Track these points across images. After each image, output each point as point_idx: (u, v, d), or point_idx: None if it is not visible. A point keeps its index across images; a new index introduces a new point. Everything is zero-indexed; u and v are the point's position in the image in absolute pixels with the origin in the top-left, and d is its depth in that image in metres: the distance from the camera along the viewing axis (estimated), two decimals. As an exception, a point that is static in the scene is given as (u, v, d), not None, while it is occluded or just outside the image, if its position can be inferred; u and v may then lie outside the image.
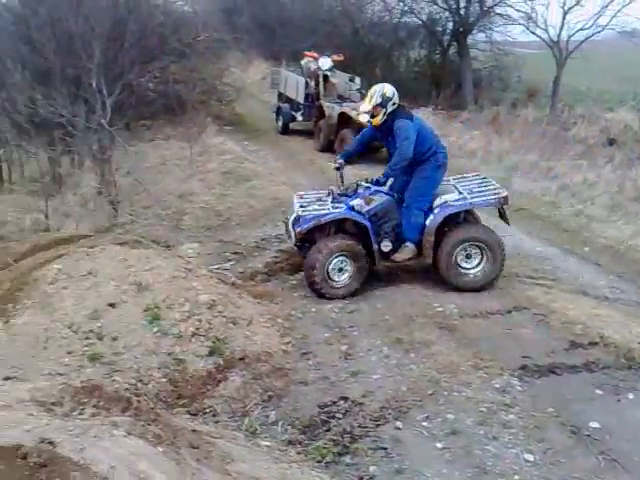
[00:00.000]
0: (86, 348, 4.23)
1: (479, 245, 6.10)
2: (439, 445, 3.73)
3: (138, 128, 11.97)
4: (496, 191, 6.31)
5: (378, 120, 6.14)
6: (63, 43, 8.55)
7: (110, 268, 4.79)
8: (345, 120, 11.71)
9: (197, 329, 4.58)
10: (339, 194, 6.32)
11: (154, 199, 8.45)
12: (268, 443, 3.64)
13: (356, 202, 6.13)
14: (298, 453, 3.59)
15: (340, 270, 6.05)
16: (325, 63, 12.92)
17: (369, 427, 3.88)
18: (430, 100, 16.28)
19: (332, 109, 12.16)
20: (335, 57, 13.27)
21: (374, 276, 6.18)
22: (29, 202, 8.50)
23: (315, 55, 13.40)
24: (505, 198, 6.24)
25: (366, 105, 6.21)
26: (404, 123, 6.04)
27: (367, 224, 6.08)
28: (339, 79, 13.34)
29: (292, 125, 14.28)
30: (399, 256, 6.17)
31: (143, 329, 4.46)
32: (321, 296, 5.95)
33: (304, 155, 12.39)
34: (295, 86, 13.85)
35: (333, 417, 3.98)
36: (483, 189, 6.38)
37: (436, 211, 6.12)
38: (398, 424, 3.90)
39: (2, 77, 8.57)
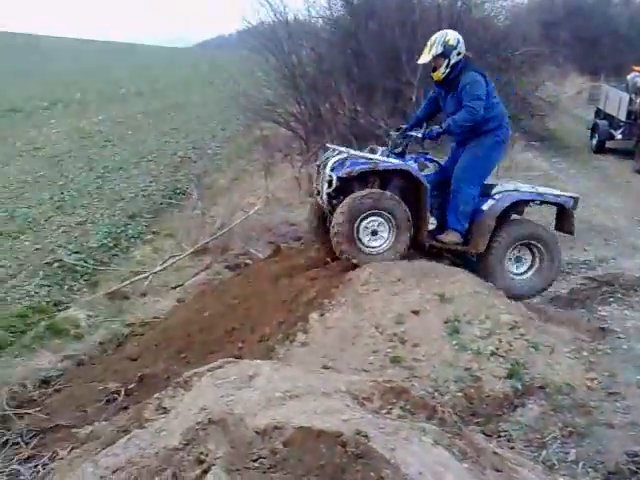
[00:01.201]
0: (389, 350, 4.44)
1: (534, 245, 5.44)
2: None
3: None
4: (569, 193, 5.67)
5: (440, 74, 5.25)
6: (388, 57, 9.09)
7: (416, 278, 4.95)
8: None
9: (497, 349, 4.50)
10: (390, 151, 5.49)
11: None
12: (567, 482, 3.43)
13: (410, 164, 5.35)
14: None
15: (374, 233, 5.16)
16: (654, 79, 11.75)
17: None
18: None
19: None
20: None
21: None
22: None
23: (644, 70, 12.27)
24: (576, 200, 5.52)
25: (425, 56, 5.26)
26: (476, 78, 5.10)
27: (427, 184, 5.24)
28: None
29: (608, 144, 13.26)
30: (445, 237, 5.39)
31: (442, 340, 4.53)
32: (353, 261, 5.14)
33: (620, 177, 11.41)
34: (617, 102, 12.84)
35: (644, 469, 3.58)
36: (551, 189, 5.72)
37: (497, 197, 5.37)
38: None
39: (330, 88, 9.44)
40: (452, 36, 5.21)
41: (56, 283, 7.62)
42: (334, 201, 5.34)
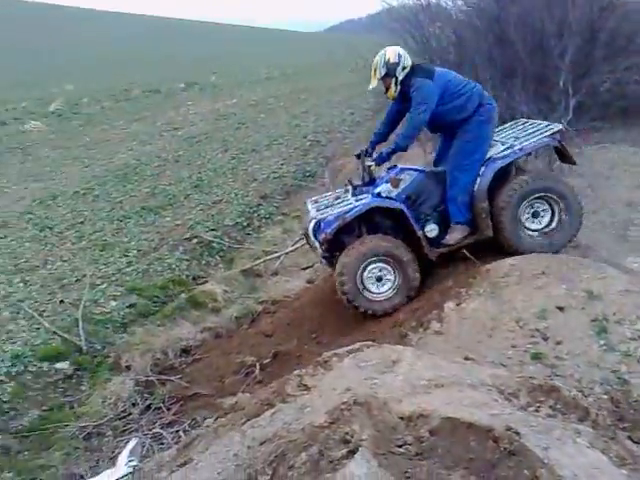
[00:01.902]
0: (529, 345, 4.26)
1: (547, 198, 5.08)
2: None
3: (586, 129, 11.56)
4: (548, 127, 5.21)
5: (393, 93, 5.23)
6: (534, 42, 8.70)
7: (561, 272, 4.72)
8: None
9: (648, 352, 4.20)
10: (358, 185, 5.36)
11: (601, 205, 8.05)
12: None
13: (382, 188, 5.22)
14: None
15: (379, 279, 5.11)
16: None
17: None
18: None
19: None
20: None
21: None
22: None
23: None
24: (560, 132, 5.17)
25: (373, 81, 5.23)
26: (420, 83, 5.02)
27: (403, 207, 5.12)
28: None
29: None
30: (451, 237, 5.23)
31: (589, 339, 4.29)
32: (360, 311, 5.10)
33: None
34: None
35: None
36: (530, 131, 5.28)
37: (482, 170, 5.12)
38: None
39: (469, 73, 9.18)
40: (391, 54, 5.18)
41: (194, 258, 8.00)
42: (332, 259, 5.38)
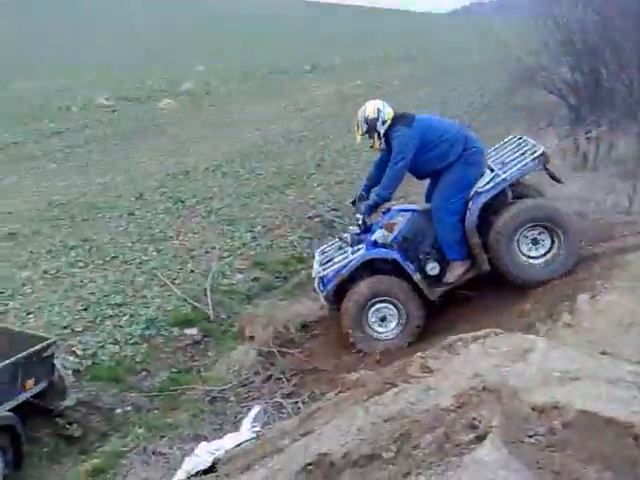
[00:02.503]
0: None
1: (541, 225, 4.99)
2: None
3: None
4: (532, 151, 5.14)
5: (377, 146, 5.29)
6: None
7: None
8: None
9: None
10: (356, 234, 5.35)
11: None
12: None
13: (377, 235, 5.24)
14: None
15: (383, 319, 5.21)
16: None
17: None
18: None
19: None
20: None
21: None
22: (613, 183, 8.42)
23: None
24: (543, 155, 5.09)
25: (357, 136, 5.37)
26: (399, 134, 5.08)
27: (396, 256, 5.14)
28: None
29: None
30: (450, 275, 5.20)
31: None
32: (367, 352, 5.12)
33: None
34: None
35: None
36: (517, 154, 5.22)
37: (470, 205, 5.06)
38: None
39: (612, 57, 8.63)
40: (370, 109, 5.19)
41: (315, 236, 8.13)
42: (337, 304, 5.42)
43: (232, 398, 5.12)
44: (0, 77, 24.26)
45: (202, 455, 3.84)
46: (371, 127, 5.20)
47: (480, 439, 2.43)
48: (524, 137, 5.57)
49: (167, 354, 5.65)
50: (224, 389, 5.21)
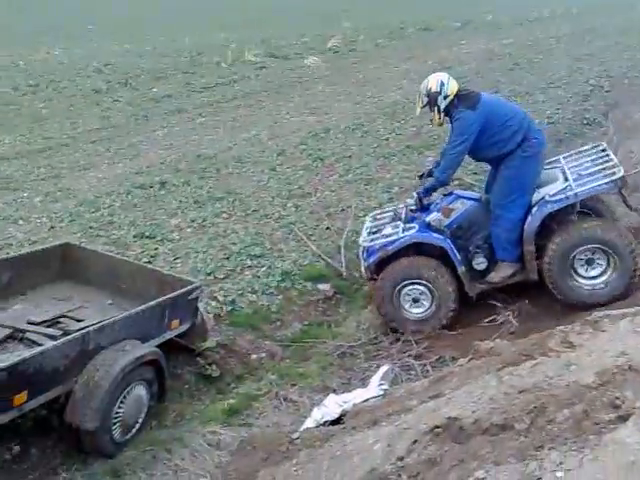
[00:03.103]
0: None
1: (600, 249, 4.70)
2: None
3: None
4: (611, 171, 4.74)
5: (437, 121, 5.09)
6: None
7: None
8: None
9: None
10: (414, 209, 5.23)
11: None
12: None
13: (432, 217, 5.07)
14: None
15: (415, 301, 5.13)
16: None
17: None
18: None
19: None
20: None
21: None
22: None
23: None
24: (622, 180, 4.70)
25: (417, 108, 5.15)
26: (461, 115, 4.85)
27: (445, 245, 4.97)
28: None
29: None
30: (495, 275, 5.03)
31: None
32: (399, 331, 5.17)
33: None
34: None
35: None
36: (596, 169, 4.88)
37: (534, 211, 4.84)
38: None
39: None
40: (434, 82, 4.98)
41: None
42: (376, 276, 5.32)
43: (361, 355, 5.19)
44: (169, 32, 25.62)
45: (330, 406, 3.94)
46: (432, 100, 5.01)
47: (622, 419, 2.28)
48: (608, 150, 5.27)
49: (300, 307, 5.81)
50: (353, 345, 5.29)
